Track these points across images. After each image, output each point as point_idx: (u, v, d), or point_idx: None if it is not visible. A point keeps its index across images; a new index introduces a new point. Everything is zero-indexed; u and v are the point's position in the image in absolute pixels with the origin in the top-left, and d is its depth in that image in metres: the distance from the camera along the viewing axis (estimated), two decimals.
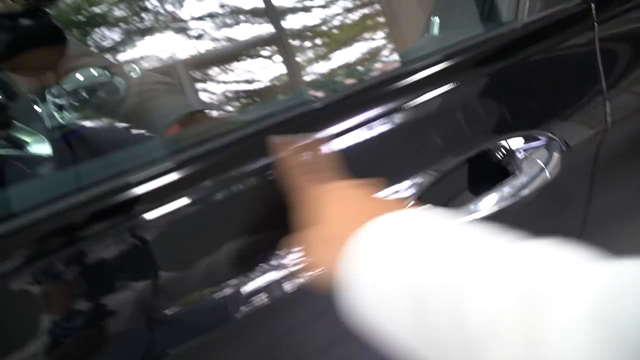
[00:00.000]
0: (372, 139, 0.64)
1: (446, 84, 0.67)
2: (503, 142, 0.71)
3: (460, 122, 0.67)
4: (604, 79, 0.77)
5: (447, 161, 0.67)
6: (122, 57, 0.99)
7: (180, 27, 1.02)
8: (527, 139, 0.72)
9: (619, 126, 0.78)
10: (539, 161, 0.72)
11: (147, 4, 1.03)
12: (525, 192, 0.69)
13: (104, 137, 0.86)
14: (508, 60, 0.71)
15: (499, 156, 0.71)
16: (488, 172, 0.70)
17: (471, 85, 0.69)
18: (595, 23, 0.76)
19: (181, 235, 0.55)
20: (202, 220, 0.56)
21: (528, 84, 0.73)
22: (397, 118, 0.65)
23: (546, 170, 0.71)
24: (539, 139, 0.74)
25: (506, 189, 0.69)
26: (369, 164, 0.63)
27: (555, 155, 0.73)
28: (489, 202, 0.68)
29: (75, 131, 0.81)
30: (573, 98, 0.76)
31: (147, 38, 1.02)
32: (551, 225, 0.74)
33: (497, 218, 0.66)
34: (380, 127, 0.65)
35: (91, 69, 0.85)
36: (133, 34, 0.99)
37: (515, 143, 0.72)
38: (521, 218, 0.69)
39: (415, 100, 0.66)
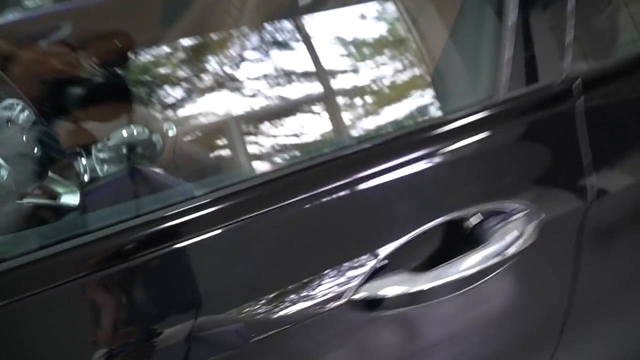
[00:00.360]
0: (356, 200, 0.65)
1: (427, 151, 0.68)
2: (476, 210, 0.68)
3: (438, 188, 0.68)
4: (584, 153, 0.71)
5: (418, 226, 0.68)
6: (181, 113, 1.07)
7: (236, 86, 1.08)
8: (502, 210, 0.71)
9: (603, 202, 0.74)
10: (512, 232, 0.68)
11: (207, 66, 1.10)
12: (492, 262, 0.67)
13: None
14: (490, 131, 0.72)
15: (471, 224, 0.68)
16: (459, 240, 0.67)
17: (451, 154, 0.69)
18: (576, 99, 0.76)
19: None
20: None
21: (507, 156, 0.73)
22: (373, 183, 0.66)
23: (519, 241, 0.66)
24: (514, 210, 0.69)
25: (471, 259, 0.68)
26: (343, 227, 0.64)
27: (530, 227, 0.68)
28: (452, 271, 0.63)
29: (111, 183, 0.88)
30: (552, 171, 0.75)
31: (206, 96, 1.09)
32: (532, 312, 0.69)
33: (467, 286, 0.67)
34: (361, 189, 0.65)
35: (133, 126, 0.93)
36: (193, 92, 1.06)
37: (490, 212, 0.71)
38: (503, 287, 0.66)
39: (392, 164, 0.64)
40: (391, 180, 0.66)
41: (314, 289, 0.64)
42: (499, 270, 0.67)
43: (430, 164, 0.67)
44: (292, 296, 0.63)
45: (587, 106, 0.73)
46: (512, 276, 0.70)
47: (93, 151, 0.92)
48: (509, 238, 0.67)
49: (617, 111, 0.79)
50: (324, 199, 0.65)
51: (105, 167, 0.91)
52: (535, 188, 0.72)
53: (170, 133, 0.93)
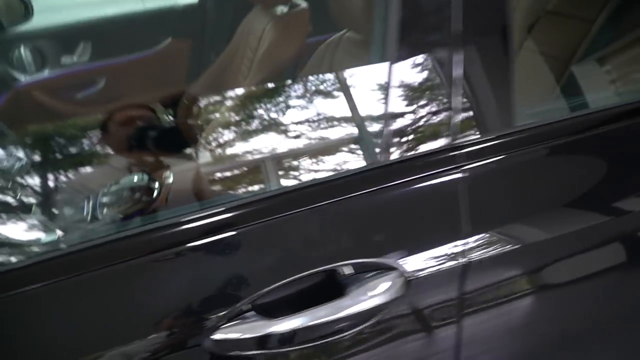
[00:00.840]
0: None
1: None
2: (348, 264, 0.73)
3: (310, 242, 0.71)
4: (464, 219, 0.71)
5: (288, 276, 0.70)
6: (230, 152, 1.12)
7: (281, 129, 1.14)
8: (370, 266, 0.73)
9: (481, 267, 0.75)
10: (375, 287, 0.71)
11: (255, 113, 1.17)
12: (347, 313, 0.69)
13: None
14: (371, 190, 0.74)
15: (341, 276, 0.72)
16: (329, 290, 0.71)
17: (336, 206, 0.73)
18: (460, 167, 0.77)
19: None
20: None
21: (385, 215, 0.76)
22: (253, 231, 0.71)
23: (378, 297, 0.70)
24: (384, 268, 0.73)
25: (326, 308, 0.69)
26: None
27: (397, 284, 0.71)
28: (303, 319, 0.69)
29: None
30: (429, 233, 0.76)
31: (253, 138, 1.15)
32: None
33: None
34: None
35: (136, 174, 1.02)
36: (240, 134, 1.13)
37: (362, 266, 0.73)
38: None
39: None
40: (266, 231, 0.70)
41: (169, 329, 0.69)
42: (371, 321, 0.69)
43: (304, 221, 0.71)
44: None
45: (472, 173, 0.73)
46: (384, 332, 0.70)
47: (99, 195, 1.01)
48: (369, 292, 0.67)
49: (501, 181, 0.80)
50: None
51: (105, 210, 0.99)
52: (409, 248, 0.74)
53: (169, 180, 1.01)
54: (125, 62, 1.52)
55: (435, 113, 0.75)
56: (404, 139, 0.74)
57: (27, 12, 1.55)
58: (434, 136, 0.74)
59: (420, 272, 0.72)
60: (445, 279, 0.74)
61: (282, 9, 1.28)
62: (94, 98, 1.53)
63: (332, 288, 0.70)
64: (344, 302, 0.68)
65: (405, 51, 0.73)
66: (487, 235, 0.76)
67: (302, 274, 0.69)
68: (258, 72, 1.24)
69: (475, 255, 0.75)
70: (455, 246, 0.74)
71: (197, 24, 1.59)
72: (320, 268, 0.70)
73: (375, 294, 0.69)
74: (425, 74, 0.74)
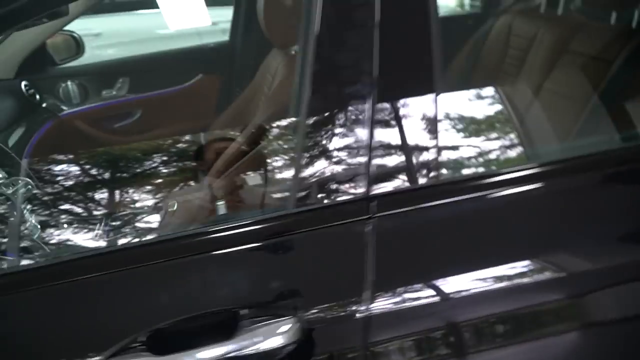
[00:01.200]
0: None
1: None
2: (243, 307, 0.72)
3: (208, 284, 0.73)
4: (368, 272, 0.69)
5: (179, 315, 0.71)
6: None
7: None
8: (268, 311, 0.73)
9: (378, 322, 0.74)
10: (264, 333, 0.71)
11: None
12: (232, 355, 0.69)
13: None
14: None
15: (232, 319, 0.71)
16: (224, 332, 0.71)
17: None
18: (369, 218, 0.75)
19: None
20: None
21: (285, 263, 0.76)
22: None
23: (266, 342, 0.70)
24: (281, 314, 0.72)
25: (212, 350, 0.69)
26: None
27: (291, 332, 0.70)
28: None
29: None
30: (330, 283, 0.76)
31: None
32: None
33: None
34: None
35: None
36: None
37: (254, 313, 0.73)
38: None
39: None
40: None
41: None
42: None
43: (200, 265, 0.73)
44: None
45: (380, 226, 0.71)
46: None
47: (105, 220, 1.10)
48: (256, 338, 0.66)
49: (408, 235, 0.76)
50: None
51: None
52: (306, 297, 0.74)
53: (174, 207, 1.09)
54: (158, 95, 1.65)
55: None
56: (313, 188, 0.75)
57: (79, 50, 1.72)
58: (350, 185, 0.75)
59: (320, 321, 0.73)
60: (346, 328, 0.73)
61: (295, 49, 1.35)
62: (130, 128, 1.66)
63: (226, 330, 0.71)
64: (230, 345, 0.69)
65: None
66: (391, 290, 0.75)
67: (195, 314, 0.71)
68: (267, 108, 1.31)
69: (378, 308, 0.75)
70: (358, 297, 0.73)
71: (226, 62, 1.70)
72: (214, 309, 0.72)
73: (264, 339, 0.70)
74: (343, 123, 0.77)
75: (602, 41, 1.28)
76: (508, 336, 0.80)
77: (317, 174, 0.74)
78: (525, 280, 0.78)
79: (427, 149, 0.75)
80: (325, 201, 0.74)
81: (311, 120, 0.74)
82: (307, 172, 0.74)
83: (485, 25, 1.77)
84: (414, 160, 0.75)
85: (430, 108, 0.76)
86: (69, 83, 1.58)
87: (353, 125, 0.74)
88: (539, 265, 0.80)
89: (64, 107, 1.60)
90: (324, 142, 0.75)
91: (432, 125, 0.74)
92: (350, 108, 0.73)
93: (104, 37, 3.12)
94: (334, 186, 0.74)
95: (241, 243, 0.74)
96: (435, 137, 0.75)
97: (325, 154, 0.74)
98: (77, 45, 1.72)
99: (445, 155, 0.79)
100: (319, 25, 0.72)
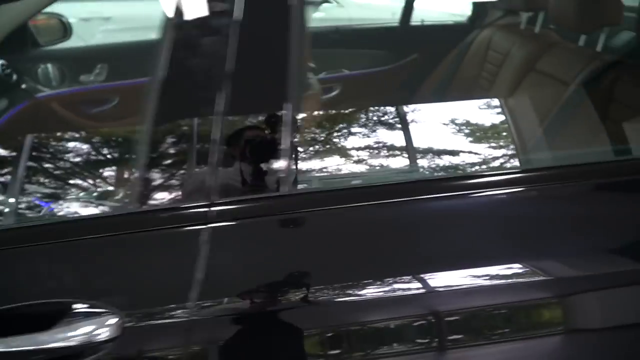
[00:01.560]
0: None
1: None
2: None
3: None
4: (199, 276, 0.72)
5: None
6: None
7: None
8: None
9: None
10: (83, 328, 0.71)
11: None
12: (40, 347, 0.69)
13: None
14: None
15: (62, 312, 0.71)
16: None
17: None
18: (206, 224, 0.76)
19: None
20: None
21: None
22: None
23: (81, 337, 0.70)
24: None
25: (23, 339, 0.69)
26: None
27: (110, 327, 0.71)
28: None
29: None
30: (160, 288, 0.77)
31: None
32: None
33: None
34: None
35: None
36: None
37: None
38: None
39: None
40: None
41: None
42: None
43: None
44: None
45: (215, 233, 0.71)
46: None
47: None
48: (70, 332, 0.69)
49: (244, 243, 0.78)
50: None
51: None
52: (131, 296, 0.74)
53: None
54: (135, 84, 1.67)
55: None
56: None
57: (65, 33, 1.76)
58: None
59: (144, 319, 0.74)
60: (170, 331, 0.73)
61: None
62: (107, 114, 1.70)
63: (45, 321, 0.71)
64: (40, 337, 0.69)
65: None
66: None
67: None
68: None
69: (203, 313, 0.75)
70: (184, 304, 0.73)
71: None
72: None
73: (77, 334, 0.70)
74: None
75: (564, 63, 1.26)
76: None
77: (162, 178, 0.75)
78: None
79: (277, 159, 0.75)
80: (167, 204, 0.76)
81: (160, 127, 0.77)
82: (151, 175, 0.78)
83: (468, 37, 1.76)
84: (263, 170, 0.76)
85: (286, 118, 0.77)
86: (48, 65, 1.62)
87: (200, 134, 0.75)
88: None
89: (45, 89, 1.64)
90: (170, 150, 0.77)
91: (284, 136, 0.74)
92: (199, 115, 0.75)
93: (113, 21, 3.16)
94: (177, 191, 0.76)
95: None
96: (289, 149, 0.77)
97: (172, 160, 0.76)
98: (64, 29, 1.76)
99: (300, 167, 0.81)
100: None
